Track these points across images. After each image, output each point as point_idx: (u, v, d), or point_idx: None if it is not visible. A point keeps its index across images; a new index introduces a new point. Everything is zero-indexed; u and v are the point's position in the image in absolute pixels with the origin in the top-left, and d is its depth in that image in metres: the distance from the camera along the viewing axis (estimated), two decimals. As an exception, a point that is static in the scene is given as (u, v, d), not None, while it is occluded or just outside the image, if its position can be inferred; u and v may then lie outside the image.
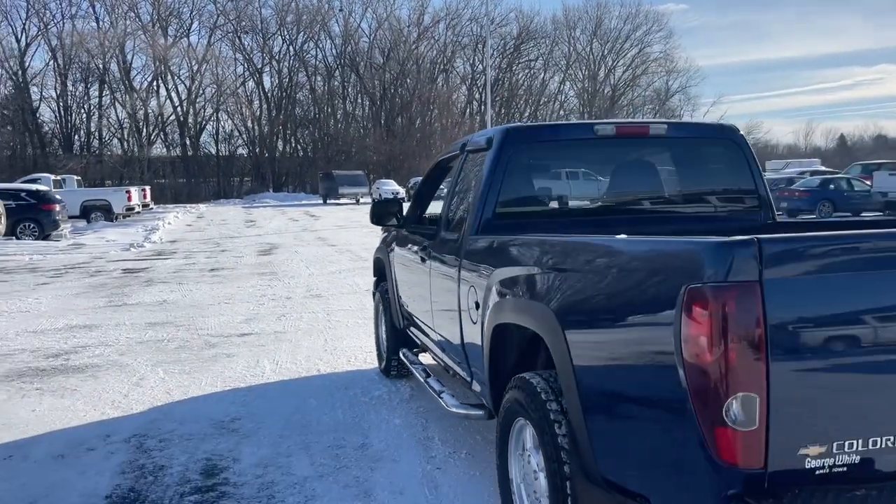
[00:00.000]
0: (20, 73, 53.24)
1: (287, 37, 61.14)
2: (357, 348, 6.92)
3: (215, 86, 57.68)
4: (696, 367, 1.85)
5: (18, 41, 53.54)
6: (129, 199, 27.61)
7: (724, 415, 1.81)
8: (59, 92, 54.09)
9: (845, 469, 1.87)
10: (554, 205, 3.98)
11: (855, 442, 1.87)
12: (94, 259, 15.96)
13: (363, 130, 63.47)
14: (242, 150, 60.30)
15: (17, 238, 19.66)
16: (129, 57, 55.59)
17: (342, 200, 44.42)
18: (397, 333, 5.47)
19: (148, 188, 34.99)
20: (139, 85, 56.53)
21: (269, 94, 60.66)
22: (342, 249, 16.74)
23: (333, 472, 4.01)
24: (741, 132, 4.10)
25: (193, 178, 55.07)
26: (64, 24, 54.42)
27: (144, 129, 55.66)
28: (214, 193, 53.60)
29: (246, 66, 60.28)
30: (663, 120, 3.72)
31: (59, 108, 54.78)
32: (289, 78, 61.45)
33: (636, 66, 76.59)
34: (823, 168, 38.86)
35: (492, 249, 3.38)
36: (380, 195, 44.30)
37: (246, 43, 60.22)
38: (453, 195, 4.25)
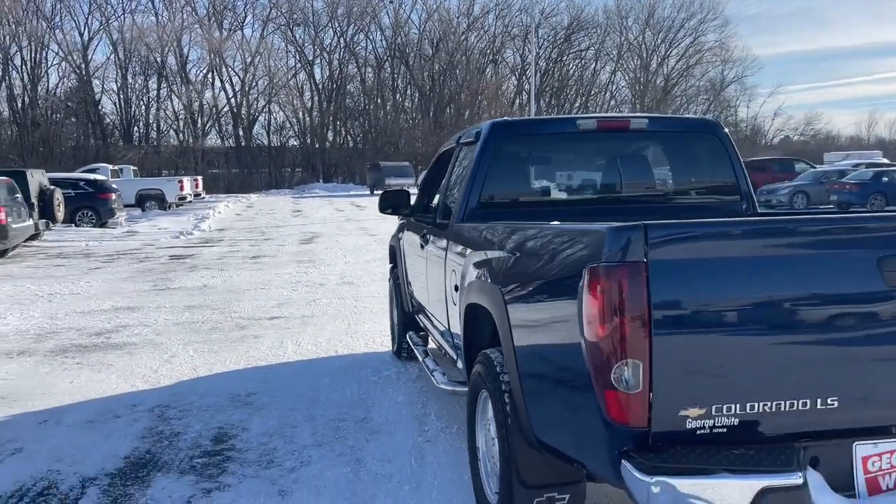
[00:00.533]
0: (83, 66, 55.12)
1: (338, 29, 61.91)
2: (377, 332, 7.24)
3: (268, 78, 58.76)
4: (591, 336, 2.10)
5: (81, 35, 55.42)
6: (182, 188, 28.54)
7: (613, 379, 2.06)
8: (119, 85, 55.90)
9: (725, 430, 2.09)
10: (536, 196, 4.22)
11: (733, 406, 2.09)
12: (145, 246, 16.67)
13: (411, 122, 63.94)
14: (294, 141, 61.40)
15: (76, 225, 20.59)
16: (185, 50, 57.09)
17: (393, 190, 45.02)
18: (406, 317, 5.76)
19: (200, 178, 36.01)
20: (195, 77, 58.02)
21: (319, 86, 61.55)
22: (381, 239, 17.10)
23: (331, 441, 4.33)
24: (723, 127, 4.26)
25: (246, 168, 56.29)
26: (125, 18, 56.17)
27: (199, 121, 57.10)
28: (266, 183, 54.73)
29: (297, 58, 61.29)
30: (645, 114, 3.89)
31: (119, 101, 56.64)
32: (339, 70, 62.23)
33: (690, 56, 75.16)
34: (885, 160, 37.65)
35: (469, 236, 3.64)
36: (425, 186, 44.86)
37: (298, 35, 61.20)
38: (448, 185, 4.52)
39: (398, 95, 66.12)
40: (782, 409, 2.11)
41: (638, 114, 4.29)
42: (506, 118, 4.21)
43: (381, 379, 5.67)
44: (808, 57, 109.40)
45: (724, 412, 2.08)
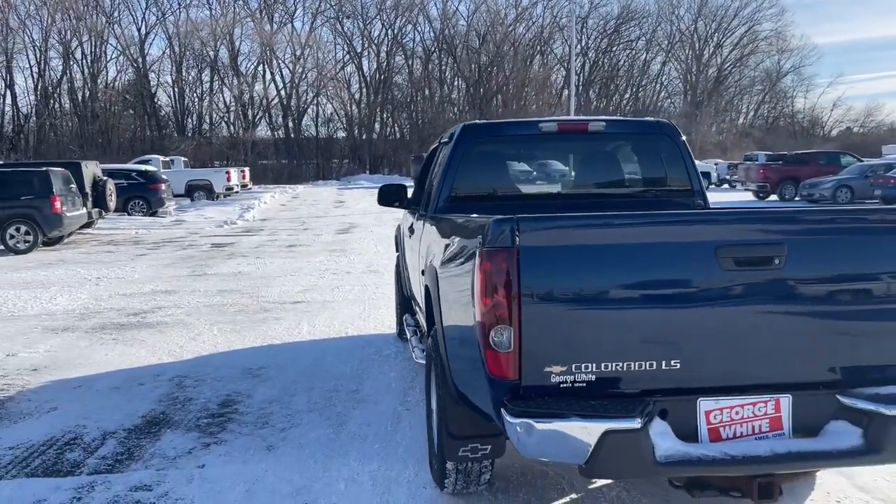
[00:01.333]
0: (140, 60, 57.01)
1: (386, 21, 62.70)
2: (388, 316, 7.78)
3: (316, 70, 59.88)
4: (478, 306, 2.60)
5: (139, 30, 57.32)
6: (229, 179, 29.55)
7: (492, 342, 2.55)
8: (174, 78, 57.63)
9: (585, 385, 2.56)
10: (501, 191, 4.68)
11: (590, 365, 2.55)
12: (190, 234, 17.57)
13: (458, 113, 64.33)
14: (341, 133, 62.50)
15: (128, 214, 21.69)
16: (237, 43, 58.51)
17: (434, 182, 45.51)
18: (404, 300, 6.29)
19: (247, 169, 37.07)
20: (245, 70, 59.45)
21: (367, 78, 62.43)
22: (414, 229, 17.68)
23: (322, 408, 4.89)
24: (677, 129, 4.66)
25: (294, 159, 57.53)
26: (180, 13, 57.89)
27: (249, 113, 58.53)
28: (314, 175, 55.87)
29: (346, 50, 62.29)
30: (603, 118, 4.24)
31: (173, 93, 58.41)
32: (387, 62, 63.03)
33: (744, 46, 73.69)
34: (948, 154, 36.65)
35: (434, 226, 4.14)
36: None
37: (346, 28, 62.20)
38: (430, 179, 5.02)
39: (445, 87, 66.66)
40: (632, 368, 2.56)
41: (597, 117, 4.65)
42: (476, 122, 4.67)
43: (380, 357, 6.22)
44: (870, 45, 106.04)
45: (583, 370, 2.55)
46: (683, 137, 4.67)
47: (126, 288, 9.98)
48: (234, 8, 59.26)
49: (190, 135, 55.69)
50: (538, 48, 68.71)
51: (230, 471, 3.88)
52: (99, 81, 55.55)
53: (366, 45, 63.06)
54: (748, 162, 33.03)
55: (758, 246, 2.61)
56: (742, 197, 27.53)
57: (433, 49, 65.30)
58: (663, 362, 2.57)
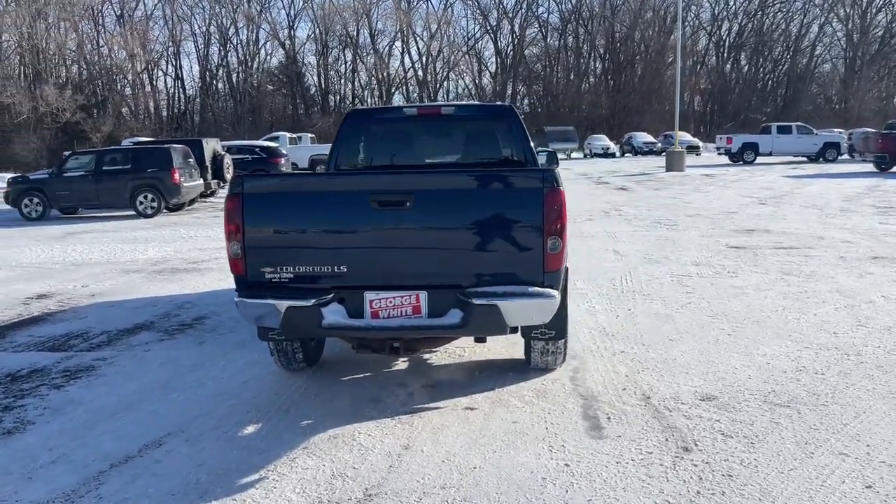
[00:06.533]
0: (289, 42, 61.46)
1: (520, -8, 63.56)
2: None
3: (450, 46, 61.85)
4: (225, 229, 4.13)
5: (288, 15, 61.80)
6: (348, 153, 32.08)
7: (231, 252, 4.09)
8: (318, 58, 61.69)
9: (288, 280, 4.03)
10: (370, 162, 6.09)
11: (290, 268, 4.02)
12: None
13: (589, 85, 64.21)
14: (471, 107, 64.21)
15: (251, 185, 24.60)
16: (375, 23, 61.61)
17: (558, 155, 46.23)
18: None
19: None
20: (382, 48, 62.49)
21: (500, 52, 63.68)
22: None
23: (260, 322, 6.60)
24: (515, 112, 5.88)
25: (429, 133, 59.98)
26: (324, -3, 61.81)
27: (385, 89, 61.57)
28: (445, 148, 58.07)
29: (480, 24, 63.76)
30: (454, 102, 5.40)
31: (318, 73, 62.54)
32: (520, 35, 63.90)
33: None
34: None
35: None
36: (590, 151, 45.61)
37: (481, 2, 63.64)
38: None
39: (581, 60, 66.65)
40: (316, 270, 4.01)
41: (453, 102, 5.77)
42: (357, 107, 6.11)
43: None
44: None
45: (286, 271, 4.03)
46: (521, 118, 5.90)
47: (204, 244, 12.20)
48: (373, -11, 62.37)
49: (331, 112, 59.56)
50: (675, 15, 66.77)
51: (162, 353, 5.68)
52: (252, 65, 60.53)
53: (500, 18, 64.29)
54: (868, 130, 31.49)
55: (395, 193, 3.97)
56: (824, 169, 26.50)
57: (569, 19, 65.39)
58: (335, 267, 4.01)
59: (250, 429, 4.10)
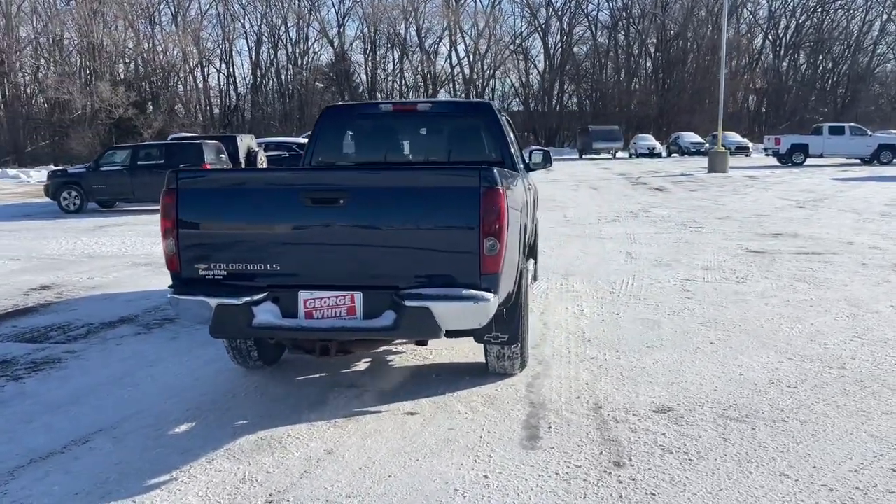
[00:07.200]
0: (338, 41, 62.01)
1: (570, -10, 62.88)
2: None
3: (496, 44, 61.56)
4: (160, 223, 4.07)
5: (338, 13, 62.31)
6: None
7: (166, 249, 4.02)
8: (366, 56, 62.09)
9: (221, 278, 3.94)
10: (347, 158, 5.99)
11: (224, 265, 3.93)
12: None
13: (639, 84, 63.16)
14: (517, 106, 63.80)
15: (287, 181, 24.84)
16: (422, 21, 61.68)
17: (602, 155, 45.61)
18: None
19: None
20: (430, 46, 62.54)
21: (548, 50, 63.12)
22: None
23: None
24: (493, 108, 5.70)
25: (475, 132, 59.81)
26: (373, -5, 62.16)
27: (432, 87, 61.59)
28: (489, 147, 57.80)
29: (529, 22, 63.31)
30: (430, 100, 5.32)
31: (366, 71, 62.98)
32: (568, 33, 63.25)
33: None
34: None
35: None
36: (636, 151, 44.84)
37: (531, 0, 63.14)
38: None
39: (631, 58, 65.59)
40: (249, 268, 3.92)
41: (430, 99, 5.67)
42: (336, 104, 6.01)
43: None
44: None
45: (219, 268, 3.95)
46: (501, 116, 5.72)
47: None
48: (421, -13, 62.45)
49: (379, 109, 59.79)
50: (734, 11, 65.20)
51: (131, 348, 5.68)
52: (302, 63, 61.25)
53: (548, 16, 63.70)
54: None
55: (328, 191, 3.85)
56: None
57: (619, 17, 64.44)
58: (269, 265, 3.91)
59: (183, 427, 4.04)
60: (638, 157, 43.86)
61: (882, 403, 4.18)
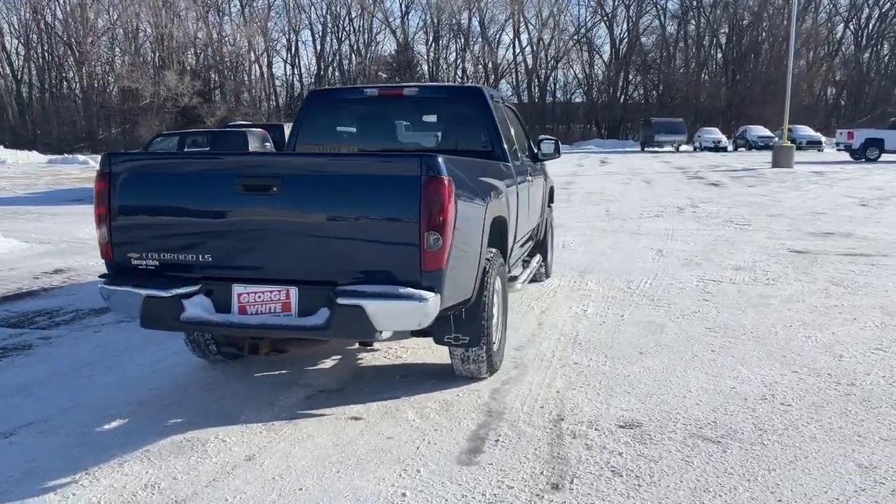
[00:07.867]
0: (401, 31, 62.01)
1: (638, -21, 61.32)
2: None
3: (559, 34, 60.53)
4: (94, 210, 3.86)
5: (401, 4, 62.26)
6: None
7: (98, 234, 3.81)
8: (429, 47, 61.93)
9: (154, 268, 3.71)
10: (334, 143, 5.71)
11: (155, 254, 3.69)
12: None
13: (708, 75, 61.18)
14: (579, 98, 62.68)
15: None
16: (485, 11, 61.10)
17: (665, 148, 44.27)
18: None
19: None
20: (492, 36, 61.92)
21: (614, 40, 61.74)
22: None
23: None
24: (484, 94, 5.33)
25: (537, 123, 59.00)
26: (435, -15, 61.90)
27: (493, 77, 61.01)
28: (551, 139, 56.94)
29: (594, 10, 62.02)
30: (418, 84, 5.04)
31: (429, 61, 62.79)
32: (636, 22, 61.69)
33: None
34: None
35: None
36: (700, 144, 43.39)
37: (597, -12, 61.85)
38: None
39: (701, 49, 63.54)
40: (180, 258, 3.68)
41: (418, 84, 5.34)
42: (321, 88, 5.73)
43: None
44: None
45: (151, 257, 3.72)
46: (491, 102, 5.34)
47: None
48: (485, -23, 61.84)
49: (439, 100, 59.62)
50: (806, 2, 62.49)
51: (107, 336, 5.55)
52: (364, 54, 61.50)
53: (616, 5, 62.27)
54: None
55: (261, 177, 3.58)
56: None
57: (689, 7, 62.50)
58: (202, 256, 3.67)
59: (114, 424, 3.85)
60: (703, 150, 42.41)
61: (883, 427, 3.68)
